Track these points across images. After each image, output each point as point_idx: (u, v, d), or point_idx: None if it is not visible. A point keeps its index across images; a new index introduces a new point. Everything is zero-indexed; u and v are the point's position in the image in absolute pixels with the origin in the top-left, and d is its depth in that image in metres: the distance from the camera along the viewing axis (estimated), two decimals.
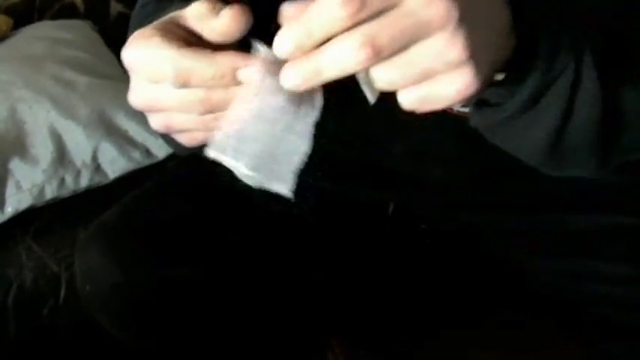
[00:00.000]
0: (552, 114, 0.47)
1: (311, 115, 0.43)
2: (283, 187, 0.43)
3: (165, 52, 0.42)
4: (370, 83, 0.41)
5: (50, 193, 1.06)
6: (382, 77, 0.40)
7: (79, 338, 0.96)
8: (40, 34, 1.36)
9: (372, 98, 0.43)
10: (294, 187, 0.43)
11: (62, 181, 1.07)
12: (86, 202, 1.09)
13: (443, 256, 0.80)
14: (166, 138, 0.56)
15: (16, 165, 1.05)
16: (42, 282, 0.99)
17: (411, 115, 0.42)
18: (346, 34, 0.38)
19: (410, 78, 0.40)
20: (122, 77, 1.22)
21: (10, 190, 1.04)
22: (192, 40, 0.44)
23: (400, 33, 0.37)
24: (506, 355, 0.74)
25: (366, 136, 0.74)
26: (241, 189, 0.45)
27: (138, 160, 1.11)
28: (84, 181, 1.09)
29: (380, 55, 0.38)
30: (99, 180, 1.10)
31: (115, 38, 1.34)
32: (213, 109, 0.43)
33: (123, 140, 1.10)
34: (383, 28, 0.37)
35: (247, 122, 0.42)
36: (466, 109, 0.55)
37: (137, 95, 0.45)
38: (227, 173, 0.43)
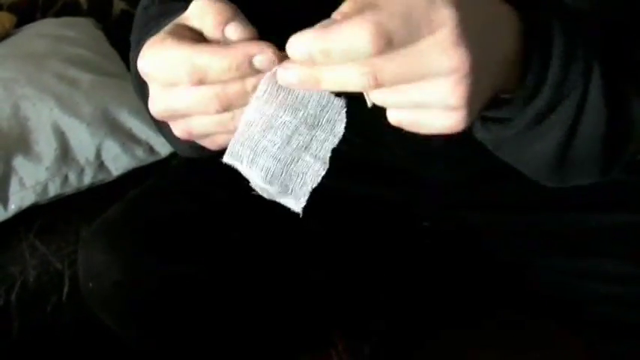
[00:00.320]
0: (557, 131, 0.47)
1: (330, 141, 0.43)
2: (295, 204, 0.43)
3: (179, 52, 0.41)
4: None
5: (53, 190, 1.07)
6: (376, 96, 0.40)
7: (82, 335, 0.96)
8: (43, 31, 1.36)
9: (370, 101, 0.44)
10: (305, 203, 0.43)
11: (65, 178, 1.07)
12: (89, 199, 1.09)
13: (444, 255, 0.80)
14: (174, 143, 0.56)
15: (19, 162, 1.06)
16: (45, 279, 0.99)
17: None
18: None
19: (403, 105, 0.40)
20: (125, 75, 1.22)
21: (13, 187, 1.04)
22: (202, 41, 0.44)
23: (407, 71, 0.38)
24: (506, 355, 0.75)
25: (369, 134, 0.74)
26: (244, 187, 0.45)
27: (141, 157, 1.11)
28: (87, 179, 1.09)
29: (381, 86, 0.38)
30: (102, 177, 1.10)
31: (118, 36, 1.34)
32: (230, 105, 0.42)
33: (126, 138, 1.11)
34: (391, 63, 0.37)
35: (259, 131, 0.42)
36: None
37: (156, 104, 0.45)
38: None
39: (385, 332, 0.81)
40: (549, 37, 0.44)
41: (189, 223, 0.75)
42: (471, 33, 0.38)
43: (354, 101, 0.44)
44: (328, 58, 0.38)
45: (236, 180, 0.44)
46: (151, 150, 1.12)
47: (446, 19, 0.37)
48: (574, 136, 0.47)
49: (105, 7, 1.52)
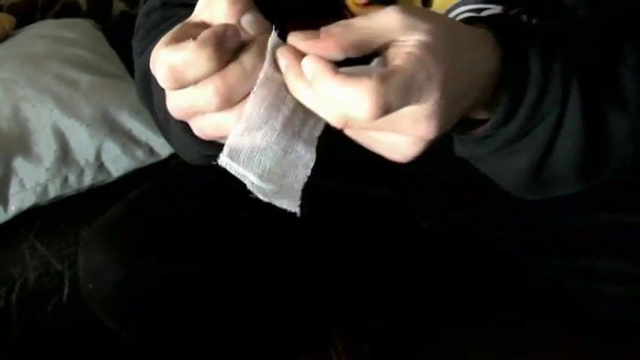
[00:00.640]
0: (532, 151, 0.48)
1: (317, 127, 0.44)
2: (290, 202, 0.43)
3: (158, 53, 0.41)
4: None
5: (53, 191, 1.07)
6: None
7: (82, 336, 0.96)
8: (43, 32, 1.36)
9: None
10: (300, 202, 0.43)
11: (65, 179, 1.07)
12: (89, 200, 1.09)
13: (443, 255, 0.80)
14: (180, 151, 0.56)
15: (19, 164, 1.06)
16: (45, 280, 0.99)
17: None
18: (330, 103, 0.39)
19: (371, 127, 0.41)
20: (125, 76, 1.23)
21: (13, 188, 1.05)
22: None
23: (377, 128, 0.40)
24: (507, 355, 0.74)
25: None
26: (243, 188, 0.45)
27: (141, 158, 1.11)
28: (87, 180, 1.09)
29: (348, 128, 0.40)
30: (102, 178, 1.10)
31: (117, 37, 1.34)
32: (232, 94, 0.41)
33: (126, 139, 1.11)
34: (359, 121, 0.39)
35: (261, 114, 0.41)
36: None
37: (167, 103, 0.45)
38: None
39: (385, 332, 0.81)
40: (525, 65, 0.44)
41: (189, 224, 0.75)
42: (450, 93, 0.40)
43: None
44: (322, 99, 0.40)
45: (236, 180, 0.44)
46: (150, 151, 1.12)
47: (433, 92, 0.39)
48: (549, 156, 0.48)
49: (104, 8, 1.52)
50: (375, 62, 0.41)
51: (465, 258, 0.79)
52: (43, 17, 1.49)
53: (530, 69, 0.44)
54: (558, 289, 0.74)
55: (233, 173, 0.43)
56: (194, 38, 0.40)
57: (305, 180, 0.44)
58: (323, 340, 0.85)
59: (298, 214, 0.44)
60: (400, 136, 0.41)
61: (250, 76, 0.41)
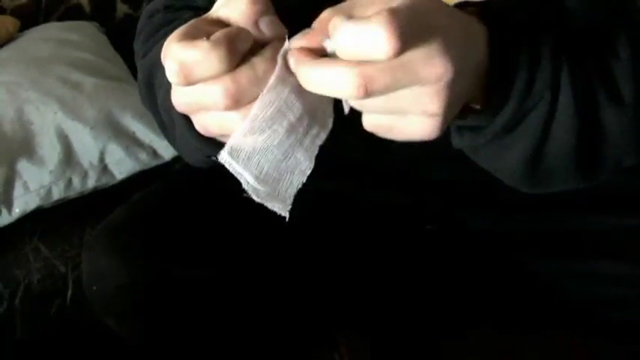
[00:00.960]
0: (527, 141, 0.48)
1: (320, 137, 0.44)
2: (281, 206, 0.43)
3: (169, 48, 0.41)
4: None
5: (57, 194, 1.07)
6: (357, 102, 0.41)
7: (85, 338, 0.96)
8: (47, 35, 1.36)
9: (347, 108, 0.44)
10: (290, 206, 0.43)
11: (69, 182, 1.07)
12: (93, 203, 1.09)
13: (447, 257, 0.80)
14: (184, 153, 0.56)
15: (23, 166, 1.06)
16: (49, 282, 0.99)
17: None
18: (346, 69, 0.38)
19: (382, 110, 0.41)
20: (129, 79, 1.23)
21: (17, 191, 1.05)
22: None
23: (395, 82, 0.38)
24: (507, 355, 0.75)
25: (371, 138, 0.74)
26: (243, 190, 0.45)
27: (145, 161, 1.11)
28: (91, 182, 1.09)
29: (370, 96, 0.39)
30: (106, 181, 1.10)
31: (121, 39, 1.34)
32: (241, 96, 0.41)
33: (130, 141, 1.11)
34: (380, 75, 0.38)
35: (266, 119, 0.41)
36: None
37: (173, 96, 0.45)
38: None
39: (388, 335, 0.81)
40: (515, 51, 0.44)
41: (193, 227, 0.75)
42: (455, 44, 0.39)
43: None
44: (309, 83, 0.40)
45: (239, 183, 0.44)
46: (154, 154, 1.12)
47: (438, 29, 0.38)
48: (544, 145, 0.48)
49: (108, 10, 1.52)
50: None
51: (469, 260, 0.79)
52: (46, 20, 1.50)
53: (520, 56, 0.45)
54: (562, 292, 0.74)
55: (231, 171, 0.43)
56: (208, 36, 0.40)
57: (299, 186, 0.44)
58: (326, 342, 0.85)
59: (287, 219, 0.44)
60: (422, 90, 0.39)
61: (261, 80, 0.41)
